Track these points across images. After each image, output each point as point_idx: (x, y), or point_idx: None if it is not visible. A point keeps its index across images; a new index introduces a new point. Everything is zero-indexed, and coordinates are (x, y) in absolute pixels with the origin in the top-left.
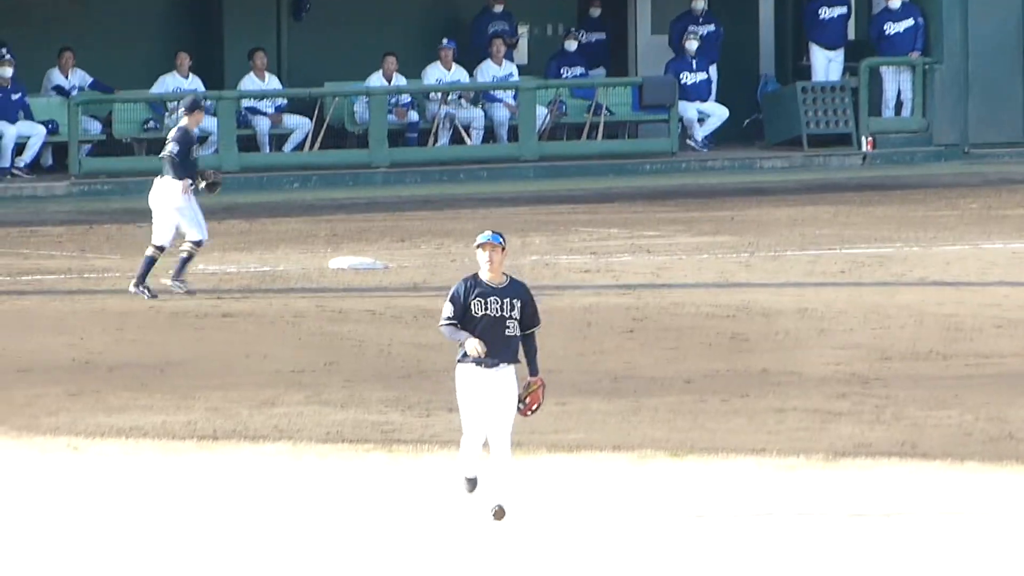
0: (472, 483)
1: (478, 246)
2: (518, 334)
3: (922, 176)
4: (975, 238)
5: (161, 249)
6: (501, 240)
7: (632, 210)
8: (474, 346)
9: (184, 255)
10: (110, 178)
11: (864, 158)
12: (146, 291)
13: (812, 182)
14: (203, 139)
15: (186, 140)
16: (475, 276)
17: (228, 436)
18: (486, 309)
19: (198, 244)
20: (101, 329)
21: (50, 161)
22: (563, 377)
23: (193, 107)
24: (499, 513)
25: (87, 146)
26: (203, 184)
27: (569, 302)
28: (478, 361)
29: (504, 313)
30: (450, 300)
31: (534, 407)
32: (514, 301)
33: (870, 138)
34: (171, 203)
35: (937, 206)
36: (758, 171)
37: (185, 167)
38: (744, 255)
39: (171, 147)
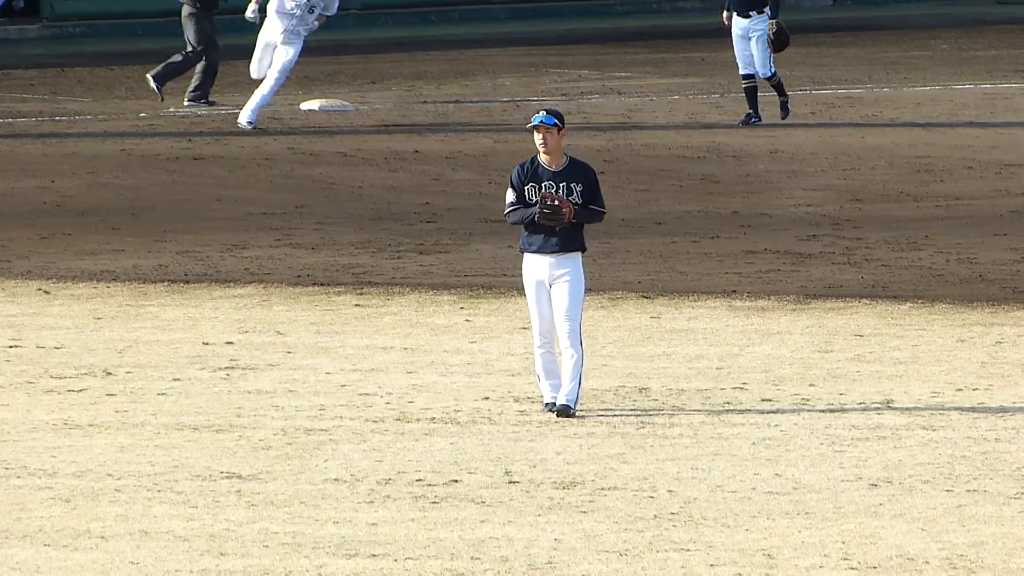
0: (554, 408)
1: (531, 127)
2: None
3: (893, 16)
4: (946, 79)
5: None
6: (556, 121)
7: (602, 52)
8: (546, 200)
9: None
10: (82, 21)
11: None
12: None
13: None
14: None
15: None
16: (532, 159)
17: (199, 279)
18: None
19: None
20: (73, 173)
21: (22, 4)
22: None
23: None
24: (563, 413)
25: None
26: None
27: None
28: (541, 247)
29: (563, 198)
30: (510, 186)
31: (557, 203)
32: (573, 185)
33: None
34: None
35: (908, 47)
36: None
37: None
38: (715, 96)
39: None
